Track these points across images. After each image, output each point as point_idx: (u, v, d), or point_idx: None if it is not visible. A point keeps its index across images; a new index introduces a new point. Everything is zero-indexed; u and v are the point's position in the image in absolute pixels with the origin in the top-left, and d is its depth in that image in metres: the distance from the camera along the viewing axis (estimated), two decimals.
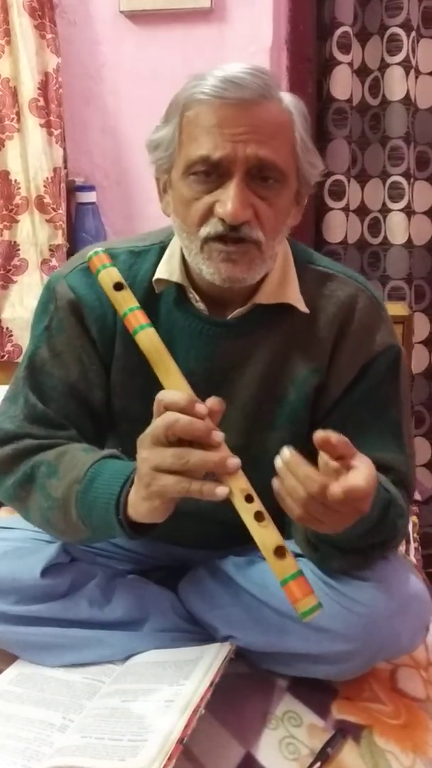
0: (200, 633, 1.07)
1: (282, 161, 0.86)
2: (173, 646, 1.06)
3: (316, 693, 1.00)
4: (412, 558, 1.46)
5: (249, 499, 0.77)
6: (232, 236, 0.85)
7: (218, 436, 0.77)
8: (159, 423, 0.78)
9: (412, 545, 1.49)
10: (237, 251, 0.86)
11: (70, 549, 1.09)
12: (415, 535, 1.53)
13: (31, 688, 1.02)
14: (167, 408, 0.78)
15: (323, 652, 0.95)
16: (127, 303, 0.84)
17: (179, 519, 1.04)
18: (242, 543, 1.09)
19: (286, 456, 0.77)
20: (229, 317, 0.96)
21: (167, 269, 0.96)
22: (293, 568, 0.75)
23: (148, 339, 0.83)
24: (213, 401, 0.78)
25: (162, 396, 0.79)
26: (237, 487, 0.77)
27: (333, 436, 0.74)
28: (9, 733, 0.93)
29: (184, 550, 1.14)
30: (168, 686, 0.94)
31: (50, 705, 0.98)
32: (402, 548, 1.46)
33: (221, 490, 0.76)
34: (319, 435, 0.74)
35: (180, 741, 0.83)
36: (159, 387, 0.92)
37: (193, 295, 0.96)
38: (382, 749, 0.94)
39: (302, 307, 0.96)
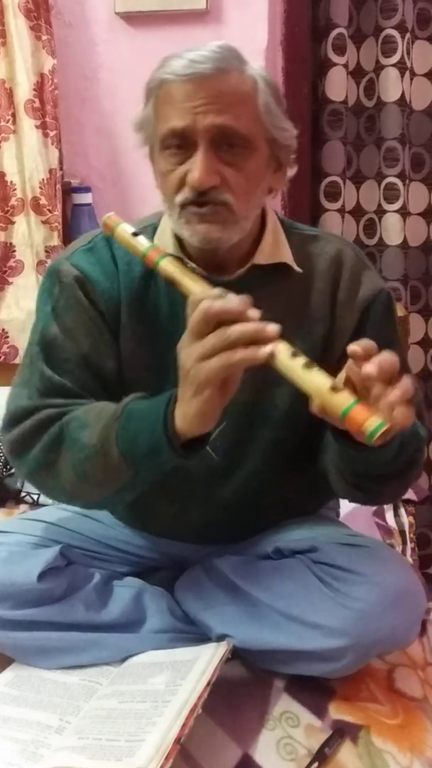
0: (197, 633, 1.07)
1: (243, 127, 0.91)
2: (170, 647, 1.06)
3: (314, 693, 1.00)
4: (409, 558, 1.46)
5: (294, 354, 0.80)
6: (201, 200, 0.92)
7: (253, 311, 0.81)
8: (195, 315, 0.81)
9: (409, 545, 1.50)
10: (209, 212, 0.92)
11: (67, 553, 1.09)
12: (412, 535, 1.53)
13: (28, 690, 1.02)
14: (201, 300, 0.82)
15: (318, 649, 0.96)
16: (143, 244, 0.93)
17: (187, 505, 1.07)
18: (243, 536, 1.11)
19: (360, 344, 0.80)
20: (229, 278, 0.99)
21: (161, 244, 0.99)
22: (349, 400, 0.76)
23: (169, 264, 0.91)
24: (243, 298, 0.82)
25: (193, 295, 0.84)
26: (280, 349, 0.79)
27: (359, 345, 0.79)
28: (6, 735, 0.93)
29: (184, 547, 1.14)
30: (165, 686, 0.94)
31: (47, 707, 0.98)
32: (399, 548, 1.46)
33: (264, 350, 0.79)
34: (351, 349, 0.79)
35: (177, 741, 0.84)
36: (166, 355, 0.97)
37: (190, 264, 0.98)
38: (380, 749, 0.94)
39: (296, 267, 1.02)
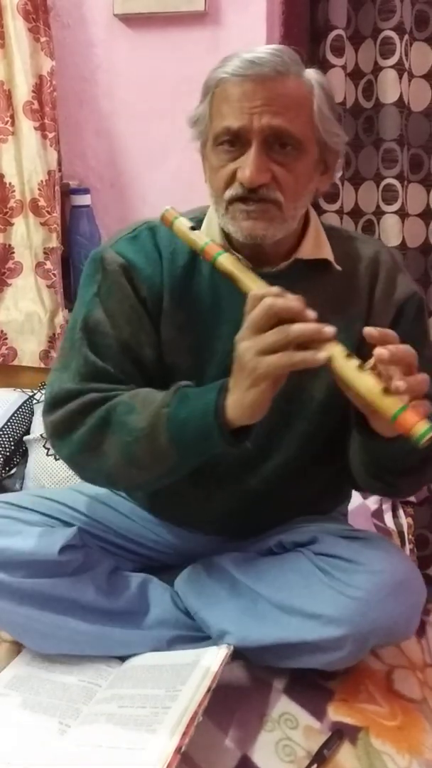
0: (199, 628, 1.08)
1: (297, 130, 0.94)
2: (170, 648, 1.06)
3: (312, 695, 1.01)
4: None
5: (348, 356, 0.84)
6: (251, 197, 0.94)
7: (311, 311, 0.85)
8: (257, 311, 0.86)
9: (407, 547, 1.50)
10: (257, 209, 0.95)
11: (84, 537, 1.11)
12: (410, 536, 1.53)
13: (27, 692, 1.02)
14: (263, 297, 0.86)
15: (317, 639, 0.96)
16: (202, 239, 0.96)
17: (213, 492, 1.10)
18: (259, 530, 1.13)
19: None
20: (273, 270, 1.02)
21: (207, 235, 1.00)
22: (400, 403, 0.80)
23: (227, 260, 0.94)
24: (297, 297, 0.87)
25: (254, 291, 0.88)
26: (336, 351, 0.84)
27: (375, 329, 0.85)
28: (5, 737, 0.93)
29: (197, 540, 1.15)
30: (165, 691, 0.94)
31: (46, 710, 0.98)
32: None
33: (322, 354, 0.83)
34: (367, 330, 0.85)
35: (178, 750, 0.83)
36: (207, 343, 1.03)
37: (236, 254, 1.00)
38: (379, 750, 0.94)
39: (336, 265, 1.05)
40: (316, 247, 1.05)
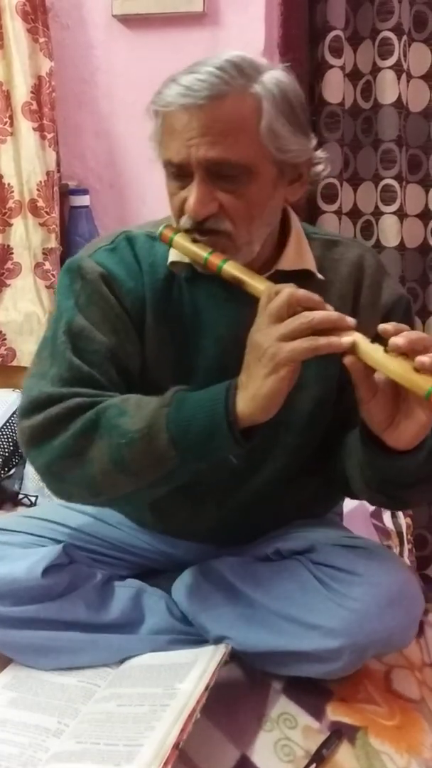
0: (195, 635, 1.07)
1: (239, 156, 0.89)
2: (168, 648, 1.06)
3: (311, 695, 1.01)
4: (406, 559, 1.46)
5: (373, 341, 0.83)
6: (200, 229, 0.92)
7: (329, 306, 0.85)
8: (277, 300, 0.84)
9: (406, 547, 1.50)
10: (207, 242, 0.93)
11: (70, 551, 1.09)
12: (409, 536, 1.53)
13: (26, 692, 1.02)
14: (282, 289, 0.85)
15: (314, 649, 0.96)
16: (205, 250, 0.93)
17: (202, 505, 1.08)
18: (254, 537, 1.12)
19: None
20: None
21: (177, 251, 0.99)
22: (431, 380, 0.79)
23: (233, 267, 0.92)
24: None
25: (271, 286, 0.87)
26: (359, 338, 0.83)
27: (390, 324, 0.83)
28: (3, 738, 0.93)
29: (191, 548, 1.14)
30: (163, 690, 0.94)
31: (45, 709, 0.98)
32: (396, 550, 1.46)
33: (347, 339, 0.82)
34: (382, 327, 0.83)
35: (176, 746, 0.83)
36: (189, 359, 1.00)
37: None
38: (377, 750, 0.94)
39: (318, 273, 1.03)
40: (298, 256, 1.02)
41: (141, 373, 1.02)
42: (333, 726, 0.97)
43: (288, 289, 0.84)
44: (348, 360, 0.83)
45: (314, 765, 0.91)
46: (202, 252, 0.93)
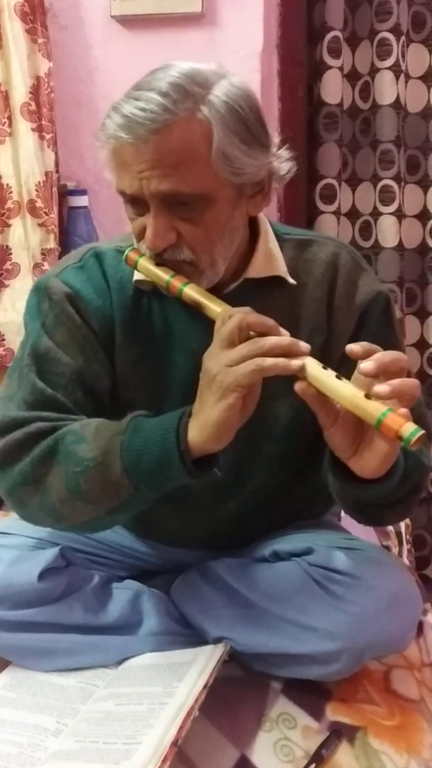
0: (194, 636, 1.07)
1: (191, 186, 0.86)
2: (167, 649, 1.06)
3: (311, 695, 1.00)
4: (405, 560, 1.46)
5: (325, 367, 0.80)
6: (160, 260, 0.91)
7: (284, 330, 0.82)
8: (228, 325, 0.82)
9: (405, 547, 1.50)
10: (171, 267, 0.91)
11: (67, 554, 1.09)
12: (408, 537, 1.53)
13: (25, 693, 1.01)
14: (234, 313, 0.83)
15: (313, 652, 0.96)
16: (167, 273, 0.91)
17: (192, 517, 1.07)
18: (249, 542, 1.11)
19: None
20: (223, 293, 0.96)
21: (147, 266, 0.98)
22: (383, 408, 0.76)
23: (193, 290, 0.90)
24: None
25: (225, 310, 0.85)
26: (311, 362, 0.80)
27: (359, 345, 0.79)
28: (2, 738, 0.93)
29: (188, 554, 1.14)
30: (162, 689, 0.94)
31: (44, 709, 0.98)
32: (395, 550, 1.46)
33: (296, 362, 0.79)
34: (349, 347, 0.79)
35: (174, 743, 0.84)
36: (162, 376, 0.98)
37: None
38: (377, 750, 0.94)
39: (289, 279, 1.00)
40: (267, 262, 0.99)
41: (112, 393, 1.00)
42: (332, 726, 0.97)
43: (239, 315, 0.81)
44: (298, 386, 0.79)
45: (313, 765, 0.91)
46: (164, 275, 0.91)
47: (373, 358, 0.77)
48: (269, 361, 0.78)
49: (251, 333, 0.82)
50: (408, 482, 0.91)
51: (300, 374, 0.79)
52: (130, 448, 0.84)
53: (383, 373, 0.76)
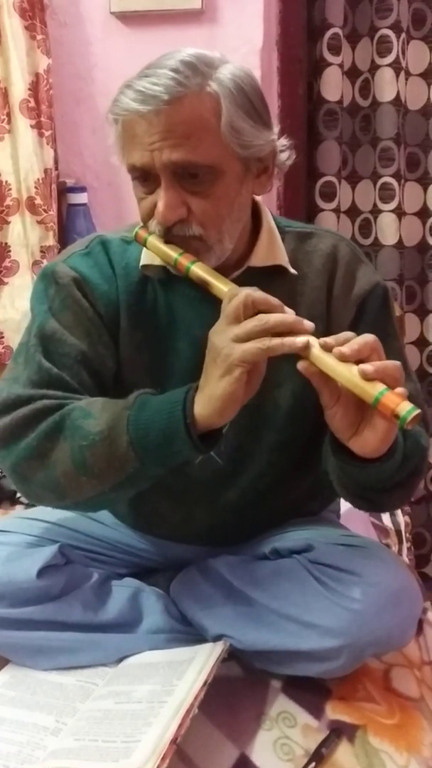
0: (193, 634, 1.07)
1: (203, 157, 0.88)
2: (167, 647, 1.06)
3: (310, 693, 1.00)
4: (405, 557, 1.46)
5: (325, 346, 0.81)
6: (170, 236, 0.92)
7: (287, 309, 0.84)
8: (235, 301, 0.83)
9: (405, 545, 1.50)
10: (180, 244, 0.92)
11: (66, 552, 1.09)
12: (408, 535, 1.53)
13: (24, 691, 1.01)
14: (241, 291, 0.84)
15: (313, 649, 0.96)
16: (175, 251, 0.92)
17: (192, 509, 1.07)
18: (248, 537, 1.12)
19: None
20: None
21: (149, 254, 0.99)
22: (380, 387, 0.78)
23: (199, 269, 0.91)
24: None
25: (231, 288, 0.86)
26: (313, 341, 0.82)
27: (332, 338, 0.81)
28: (1, 737, 0.93)
29: (187, 550, 1.14)
30: (161, 687, 0.94)
31: (43, 708, 0.97)
32: (395, 548, 1.46)
33: (300, 339, 0.81)
34: (323, 340, 0.81)
35: (173, 741, 0.83)
36: (165, 362, 1.00)
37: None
38: (377, 749, 0.94)
39: (291, 268, 1.01)
40: (269, 252, 1.01)
41: (116, 377, 1.01)
42: (332, 725, 0.97)
43: (245, 291, 0.83)
44: (301, 364, 0.82)
45: (313, 764, 0.91)
46: (172, 253, 0.92)
47: (348, 344, 0.80)
48: (276, 340, 0.81)
49: (257, 311, 0.84)
50: (408, 464, 0.93)
51: (303, 353, 0.81)
52: (137, 422, 0.86)
53: (380, 377, 0.79)
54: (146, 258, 1.00)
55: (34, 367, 0.95)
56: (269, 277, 1.00)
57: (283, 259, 1.01)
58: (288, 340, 0.81)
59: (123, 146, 0.92)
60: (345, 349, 0.79)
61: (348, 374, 0.79)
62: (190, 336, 0.99)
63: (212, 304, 0.95)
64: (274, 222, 1.04)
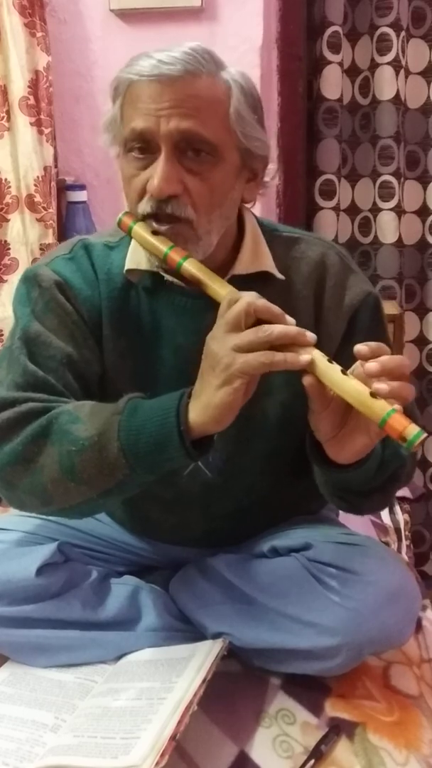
0: (193, 632, 1.07)
1: (210, 133, 0.88)
2: (166, 644, 1.06)
3: (310, 691, 1.00)
4: (404, 555, 1.46)
5: (330, 361, 0.80)
6: (162, 214, 0.89)
7: (289, 318, 0.82)
8: (235, 308, 0.81)
9: (404, 543, 1.50)
10: (168, 231, 0.90)
11: (65, 550, 1.08)
12: (407, 533, 1.53)
13: (23, 689, 1.01)
14: (241, 297, 0.82)
15: (312, 647, 0.96)
16: (165, 244, 0.90)
17: (186, 517, 1.07)
18: (246, 538, 1.11)
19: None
20: None
21: (135, 259, 0.98)
22: (388, 407, 0.76)
23: (193, 265, 0.89)
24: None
25: (232, 293, 0.84)
26: (317, 356, 0.80)
27: (367, 345, 0.80)
28: (1, 734, 0.93)
29: (185, 551, 1.14)
30: (160, 684, 0.94)
31: (42, 705, 0.97)
32: (394, 546, 1.46)
33: (305, 357, 0.79)
34: (357, 348, 0.80)
35: (173, 737, 0.84)
36: (149, 369, 0.97)
37: (167, 277, 0.96)
38: (376, 746, 0.94)
39: (278, 274, 1.00)
40: (254, 258, 0.99)
41: (101, 381, 1.00)
42: (331, 722, 0.97)
43: (247, 299, 0.81)
44: (306, 380, 0.81)
45: (313, 761, 0.91)
46: (162, 246, 0.90)
47: (378, 360, 0.78)
48: (279, 356, 0.79)
49: (257, 319, 0.82)
50: (385, 471, 0.93)
51: (308, 369, 0.80)
52: (127, 428, 0.84)
53: (386, 375, 0.78)
54: (131, 262, 0.98)
55: (18, 370, 0.93)
56: (255, 285, 0.96)
57: (269, 264, 0.99)
58: (292, 357, 0.79)
59: (125, 114, 0.90)
60: (374, 366, 0.77)
61: (355, 392, 0.78)
62: (173, 344, 0.98)
63: (197, 312, 0.95)
64: (259, 227, 1.02)
